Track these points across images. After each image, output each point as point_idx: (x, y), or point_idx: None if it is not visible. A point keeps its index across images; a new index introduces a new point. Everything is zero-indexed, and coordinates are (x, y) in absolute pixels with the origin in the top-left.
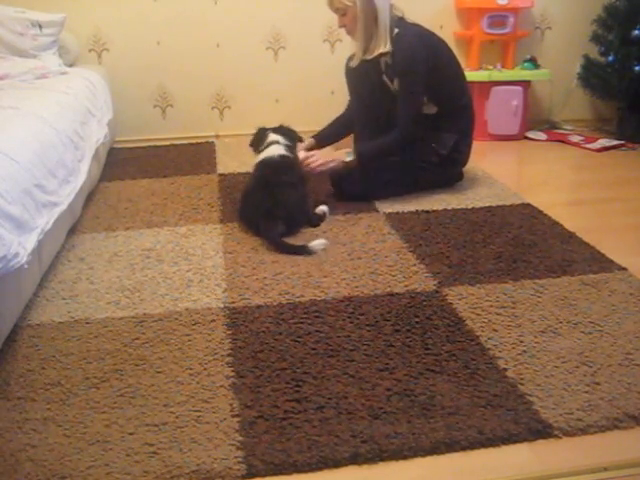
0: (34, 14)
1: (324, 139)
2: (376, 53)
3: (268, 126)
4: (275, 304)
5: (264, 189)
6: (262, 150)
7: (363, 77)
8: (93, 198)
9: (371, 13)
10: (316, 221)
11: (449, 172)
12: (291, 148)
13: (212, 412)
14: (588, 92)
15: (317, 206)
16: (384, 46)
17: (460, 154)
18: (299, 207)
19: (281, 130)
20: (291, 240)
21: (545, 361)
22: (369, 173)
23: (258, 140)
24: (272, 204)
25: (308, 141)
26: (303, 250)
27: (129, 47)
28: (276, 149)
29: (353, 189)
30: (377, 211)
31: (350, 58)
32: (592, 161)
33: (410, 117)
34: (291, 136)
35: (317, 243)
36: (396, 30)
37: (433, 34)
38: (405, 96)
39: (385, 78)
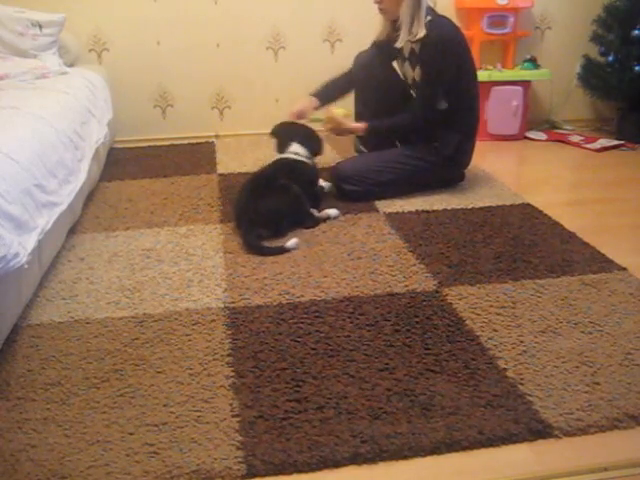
0: (34, 14)
1: (326, 98)
2: (418, 37)
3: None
4: (275, 304)
5: (250, 193)
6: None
7: (374, 70)
8: (93, 198)
9: None
10: (311, 223)
11: (451, 172)
12: (308, 157)
13: (212, 412)
14: (588, 92)
15: (324, 208)
16: (422, 31)
17: (463, 155)
18: (284, 212)
19: (305, 142)
20: (291, 238)
21: (545, 361)
22: (371, 173)
23: (280, 146)
24: (253, 211)
25: (310, 100)
26: (280, 251)
27: (129, 47)
28: (290, 155)
29: (354, 189)
30: (377, 211)
31: (361, 54)
32: (592, 161)
33: (426, 103)
34: (312, 148)
35: (292, 242)
36: (428, 17)
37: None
38: (427, 82)
39: (407, 65)
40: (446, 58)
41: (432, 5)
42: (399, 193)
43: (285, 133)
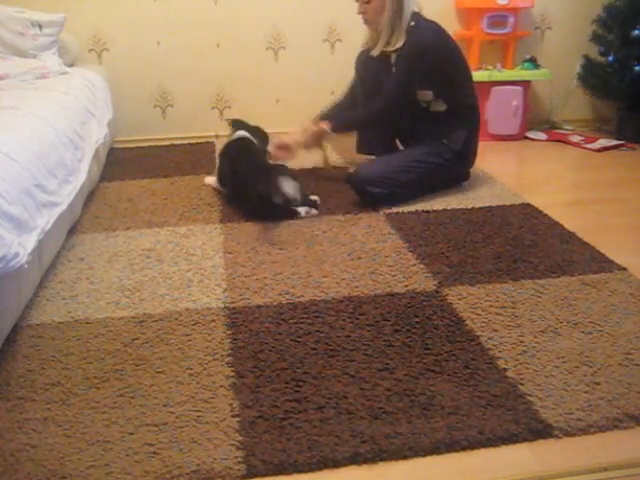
0: (34, 14)
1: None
2: (397, 46)
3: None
4: (275, 304)
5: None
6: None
7: (373, 70)
8: (93, 198)
9: (398, 5)
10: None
11: (460, 170)
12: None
13: (212, 412)
14: (588, 92)
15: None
16: (402, 39)
17: (469, 153)
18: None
19: (253, 132)
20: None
21: (545, 361)
22: (393, 174)
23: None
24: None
25: (315, 128)
26: (294, 214)
27: (129, 47)
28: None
29: (380, 190)
30: (377, 211)
31: (363, 50)
32: (592, 161)
33: (390, 100)
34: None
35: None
36: (412, 23)
37: (447, 33)
38: (395, 78)
39: (394, 70)
40: (420, 61)
41: (417, 10)
42: (420, 193)
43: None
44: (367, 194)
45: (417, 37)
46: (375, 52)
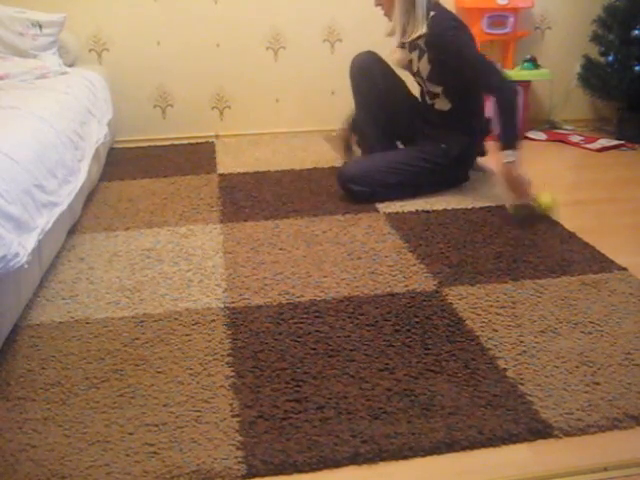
0: (34, 14)
1: None
2: (414, 36)
3: None
4: (275, 304)
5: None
6: None
7: (375, 78)
8: (93, 198)
9: None
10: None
11: (455, 175)
12: None
13: (212, 412)
14: (588, 92)
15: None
16: (422, 28)
17: (468, 158)
18: None
19: None
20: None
21: (545, 361)
22: (378, 174)
23: None
24: None
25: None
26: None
27: (129, 47)
28: None
29: (361, 189)
30: (377, 211)
31: (356, 58)
32: (592, 161)
33: (495, 73)
34: None
35: None
36: (432, 13)
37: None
38: (472, 64)
39: (415, 54)
40: (461, 38)
41: None
42: (405, 195)
43: None
44: (349, 191)
45: (441, 24)
46: (395, 43)
